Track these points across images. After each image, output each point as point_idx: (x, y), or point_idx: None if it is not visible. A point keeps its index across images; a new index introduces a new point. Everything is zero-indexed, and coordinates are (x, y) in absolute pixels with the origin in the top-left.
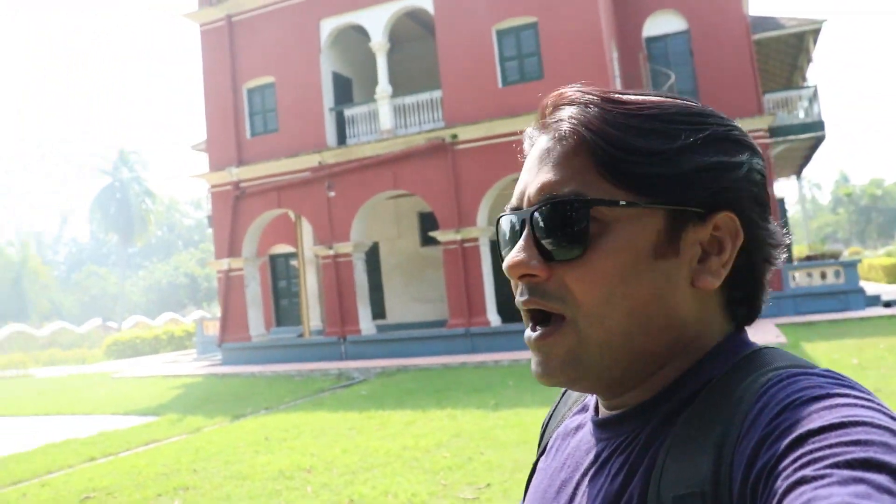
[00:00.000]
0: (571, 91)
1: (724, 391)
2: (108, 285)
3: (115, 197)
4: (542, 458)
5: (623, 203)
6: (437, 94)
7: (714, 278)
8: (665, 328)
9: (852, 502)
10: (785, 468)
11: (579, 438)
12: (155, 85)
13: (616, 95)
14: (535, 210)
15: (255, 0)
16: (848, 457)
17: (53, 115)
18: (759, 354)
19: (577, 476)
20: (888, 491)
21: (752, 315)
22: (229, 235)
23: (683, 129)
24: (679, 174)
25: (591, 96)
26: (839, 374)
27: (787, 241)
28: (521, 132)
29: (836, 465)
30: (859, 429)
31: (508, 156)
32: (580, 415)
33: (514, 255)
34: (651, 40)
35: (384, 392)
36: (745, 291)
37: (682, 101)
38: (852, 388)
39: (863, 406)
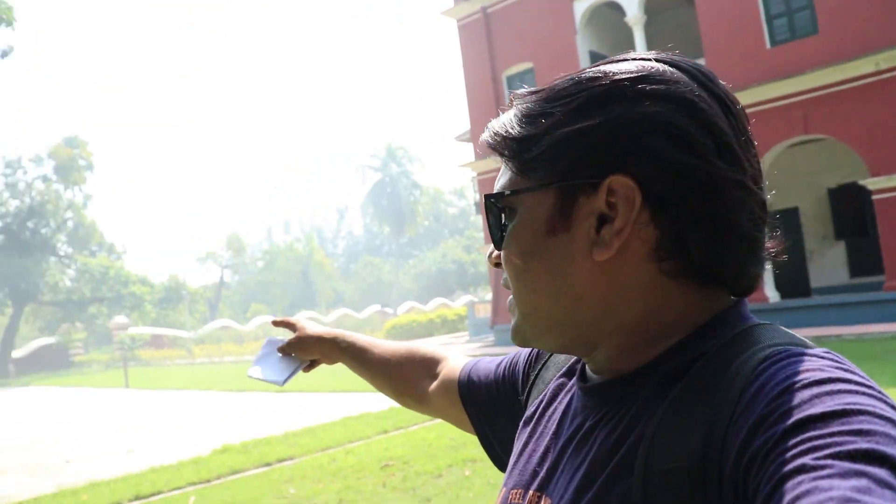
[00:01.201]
0: (513, 96)
1: (718, 367)
2: (383, 274)
3: (385, 191)
4: (524, 424)
5: (507, 193)
6: (699, 62)
7: (604, 249)
8: (577, 300)
9: (853, 497)
10: (783, 453)
11: (565, 404)
12: (415, 81)
13: (541, 88)
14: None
15: None
16: (850, 447)
17: (327, 118)
18: (756, 330)
19: (561, 443)
20: (889, 486)
21: (743, 280)
22: None
23: (559, 103)
24: (548, 151)
25: (520, 97)
26: (839, 357)
27: (736, 178)
28: (794, 95)
29: (837, 456)
30: (861, 418)
31: (781, 121)
32: (565, 378)
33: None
34: None
35: None
36: (704, 254)
37: (589, 70)
38: (853, 372)
39: (864, 394)
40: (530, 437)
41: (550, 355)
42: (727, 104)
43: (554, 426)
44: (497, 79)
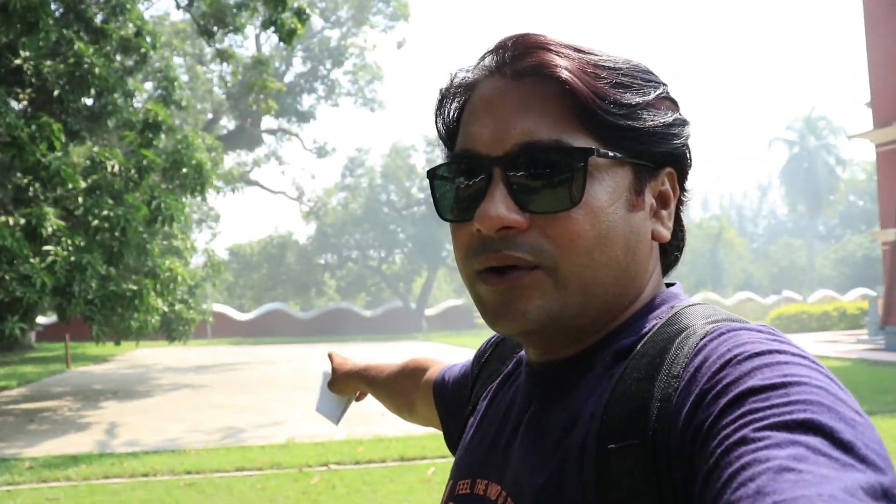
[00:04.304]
0: (537, 36)
1: (661, 344)
2: (798, 258)
3: (801, 167)
4: (472, 416)
5: (615, 155)
6: None
7: (666, 231)
8: (632, 279)
9: (788, 465)
10: (726, 427)
11: (511, 393)
12: (834, 45)
13: (578, 45)
14: (510, 157)
15: None
16: (787, 418)
17: (743, 86)
18: (694, 308)
19: (509, 430)
20: (822, 453)
21: (671, 268)
22: None
23: (646, 85)
24: (645, 128)
25: (559, 43)
26: (775, 331)
27: (691, 199)
28: None
29: (775, 427)
30: (799, 388)
31: None
32: (510, 369)
33: (488, 207)
34: None
35: None
36: (677, 243)
37: (644, 64)
38: (789, 344)
39: (800, 364)
40: (477, 427)
41: (495, 347)
42: None
43: (500, 415)
44: None
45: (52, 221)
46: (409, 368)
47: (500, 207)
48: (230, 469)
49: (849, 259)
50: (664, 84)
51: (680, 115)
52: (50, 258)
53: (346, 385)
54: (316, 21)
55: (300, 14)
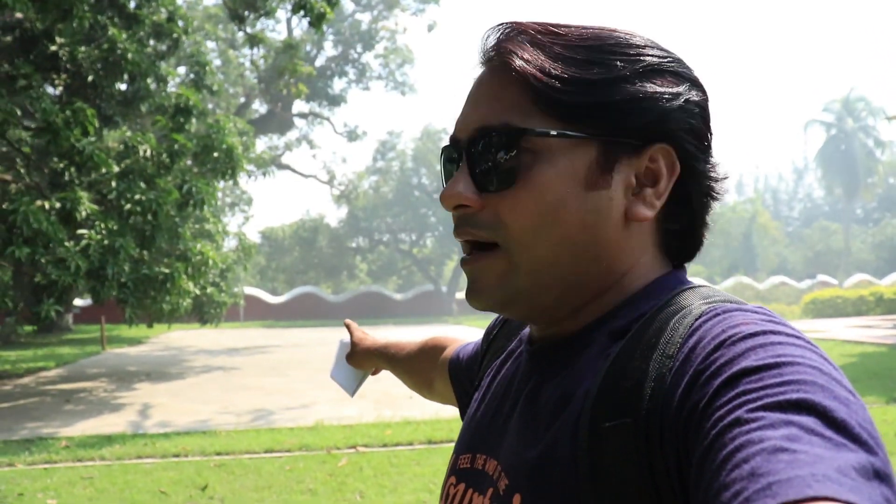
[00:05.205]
0: (509, 24)
1: (657, 324)
2: (835, 242)
3: (839, 149)
4: (477, 391)
5: (553, 133)
6: None
7: (648, 210)
8: (595, 259)
9: (782, 445)
10: (720, 408)
11: (513, 370)
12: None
13: (553, 27)
14: (470, 141)
15: None
16: (780, 398)
17: (780, 68)
18: (693, 290)
19: (508, 406)
20: (815, 433)
21: (691, 251)
22: None
23: (619, 59)
24: (612, 104)
25: (528, 28)
26: (770, 311)
27: (727, 176)
28: None
29: (769, 407)
30: (792, 368)
31: None
32: (514, 345)
33: (449, 187)
34: None
35: None
36: (682, 225)
37: (621, 33)
38: (784, 325)
39: (795, 345)
40: (480, 403)
41: (502, 325)
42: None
43: (502, 391)
44: None
45: (87, 205)
46: (428, 347)
47: (458, 186)
48: (259, 450)
49: (887, 243)
50: (656, 56)
51: (672, 88)
52: (84, 242)
53: (365, 361)
54: (347, 4)
55: None
